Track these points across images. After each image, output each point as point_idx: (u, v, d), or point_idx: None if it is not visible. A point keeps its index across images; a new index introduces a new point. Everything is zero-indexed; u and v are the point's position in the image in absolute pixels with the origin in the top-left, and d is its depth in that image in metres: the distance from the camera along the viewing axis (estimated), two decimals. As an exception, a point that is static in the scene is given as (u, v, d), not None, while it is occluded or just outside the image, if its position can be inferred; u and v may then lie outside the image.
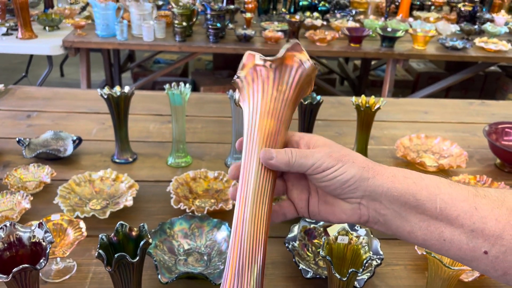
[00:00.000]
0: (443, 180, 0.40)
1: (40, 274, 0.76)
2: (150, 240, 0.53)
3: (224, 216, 0.90)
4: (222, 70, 3.21)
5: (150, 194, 1.01)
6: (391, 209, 0.40)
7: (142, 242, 0.51)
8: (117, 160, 1.13)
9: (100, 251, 0.50)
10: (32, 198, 0.90)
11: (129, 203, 0.91)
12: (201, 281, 0.77)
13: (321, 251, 0.56)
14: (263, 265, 0.40)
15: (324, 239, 0.57)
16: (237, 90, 0.45)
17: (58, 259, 0.77)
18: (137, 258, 0.51)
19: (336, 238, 0.57)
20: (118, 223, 0.54)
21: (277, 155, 0.40)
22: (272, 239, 0.89)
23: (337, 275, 0.53)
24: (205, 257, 0.82)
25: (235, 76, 0.43)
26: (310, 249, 0.84)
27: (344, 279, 0.53)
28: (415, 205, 0.39)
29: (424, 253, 0.81)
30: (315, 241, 0.85)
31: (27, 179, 0.99)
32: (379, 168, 0.40)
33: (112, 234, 0.54)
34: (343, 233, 0.57)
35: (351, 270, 0.52)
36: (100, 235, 0.52)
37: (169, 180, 1.01)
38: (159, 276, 0.72)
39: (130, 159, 1.13)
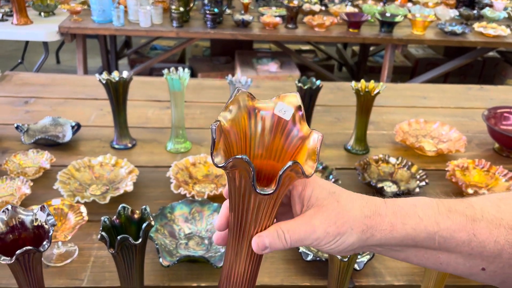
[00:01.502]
0: (442, 211, 0.39)
1: (42, 258, 0.76)
2: (153, 222, 0.53)
3: (224, 200, 0.91)
4: (220, 56, 3.19)
5: (150, 179, 1.01)
6: (388, 249, 0.40)
7: (144, 224, 0.52)
8: (116, 146, 1.13)
9: (103, 233, 0.50)
10: (32, 184, 0.90)
11: (129, 188, 0.91)
12: (202, 264, 0.78)
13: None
14: None
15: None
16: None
17: (60, 243, 0.78)
18: (140, 240, 0.51)
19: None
20: (120, 205, 0.54)
21: (270, 244, 0.36)
22: (272, 223, 0.89)
23: (338, 256, 0.54)
24: (206, 241, 0.82)
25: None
26: (310, 233, 0.85)
27: (345, 260, 0.53)
28: (414, 244, 0.39)
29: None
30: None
31: (26, 165, 0.99)
32: (377, 221, 0.38)
33: (115, 216, 0.54)
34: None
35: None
36: (102, 218, 0.52)
37: (168, 166, 1.01)
38: (161, 260, 0.72)
39: (129, 145, 1.13)
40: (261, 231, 0.36)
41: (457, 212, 0.38)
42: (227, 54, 3.20)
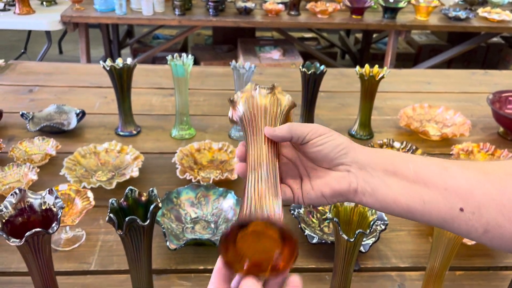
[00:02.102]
0: (415, 154, 0.46)
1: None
2: (160, 204, 0.53)
3: (229, 185, 0.91)
4: (222, 45, 3.18)
5: (155, 165, 1.02)
6: (376, 176, 0.44)
7: (152, 206, 0.52)
8: (121, 133, 1.13)
9: (111, 215, 0.51)
10: (38, 170, 0.91)
11: (135, 173, 0.92)
12: (209, 247, 0.78)
13: (328, 213, 0.56)
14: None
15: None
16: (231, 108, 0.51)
17: (68, 228, 0.78)
18: (148, 221, 0.51)
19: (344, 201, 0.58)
20: (128, 188, 0.55)
21: (279, 128, 0.46)
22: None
23: (344, 236, 0.54)
24: (212, 225, 0.83)
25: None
26: (315, 216, 0.85)
27: (351, 240, 0.54)
28: (394, 171, 0.44)
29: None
30: (320, 208, 0.86)
31: (32, 152, 1.00)
32: (359, 145, 0.47)
33: (122, 199, 0.54)
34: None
35: (358, 231, 0.53)
36: (110, 200, 0.53)
37: (173, 152, 1.01)
38: (168, 243, 0.73)
39: (134, 132, 1.14)
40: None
41: (429, 157, 0.46)
42: (230, 43, 3.19)
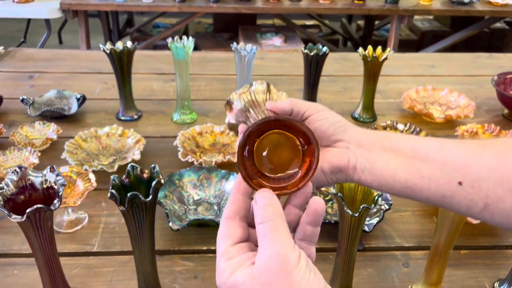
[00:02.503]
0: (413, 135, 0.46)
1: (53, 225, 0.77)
2: (162, 181, 0.53)
3: (232, 168, 0.91)
4: (223, 33, 3.16)
5: (157, 149, 1.01)
6: (374, 153, 0.44)
7: (154, 182, 0.51)
8: (122, 118, 1.12)
9: (113, 191, 0.50)
10: (39, 154, 0.90)
11: (137, 157, 0.91)
12: (212, 228, 0.78)
13: (332, 189, 0.56)
14: None
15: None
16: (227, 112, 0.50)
17: (70, 210, 0.78)
18: (150, 197, 0.51)
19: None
20: (129, 165, 0.54)
21: (281, 101, 0.47)
22: (280, 189, 0.89)
23: (348, 211, 0.53)
24: (215, 207, 0.82)
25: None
26: (318, 197, 0.84)
27: (356, 215, 0.53)
28: (392, 148, 0.44)
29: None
30: (323, 189, 0.86)
31: (33, 137, 0.99)
32: (359, 127, 0.48)
33: (124, 176, 0.54)
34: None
35: (362, 205, 0.53)
36: (112, 177, 0.52)
37: (175, 136, 1.01)
38: (170, 224, 0.72)
39: (135, 116, 1.13)
40: None
41: (428, 137, 0.46)
42: (230, 30, 3.17)
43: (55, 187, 0.54)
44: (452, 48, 3.23)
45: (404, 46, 3.31)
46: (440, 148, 0.42)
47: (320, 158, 0.42)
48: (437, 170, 0.41)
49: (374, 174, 0.44)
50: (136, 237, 0.56)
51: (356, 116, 1.16)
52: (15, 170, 0.54)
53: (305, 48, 1.05)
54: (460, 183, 0.40)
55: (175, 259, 0.72)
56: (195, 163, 0.89)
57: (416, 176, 0.42)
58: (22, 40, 3.13)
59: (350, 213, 0.53)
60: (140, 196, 0.50)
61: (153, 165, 0.54)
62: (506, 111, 1.19)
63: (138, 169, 0.54)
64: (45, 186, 0.55)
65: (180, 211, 0.80)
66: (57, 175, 0.54)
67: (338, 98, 1.28)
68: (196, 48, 1.07)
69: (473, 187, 0.40)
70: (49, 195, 0.55)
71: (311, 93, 1.10)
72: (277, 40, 2.72)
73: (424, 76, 1.43)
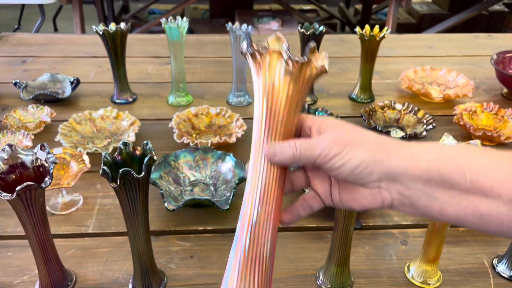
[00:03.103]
0: (473, 149, 0.35)
1: (47, 207, 0.76)
2: (155, 157, 0.52)
3: (228, 149, 0.90)
4: (219, 18, 3.13)
5: (152, 131, 1.00)
6: (415, 189, 0.35)
7: (146, 158, 0.50)
8: (117, 101, 1.11)
9: (105, 167, 0.49)
10: (33, 137, 0.89)
11: (132, 138, 0.90)
12: (208, 209, 0.77)
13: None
14: (271, 264, 0.40)
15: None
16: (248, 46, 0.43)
17: (64, 192, 0.77)
18: (143, 173, 0.50)
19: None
20: (121, 141, 0.53)
21: (281, 150, 0.38)
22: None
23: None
24: (211, 187, 0.81)
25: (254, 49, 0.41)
26: (315, 177, 0.84)
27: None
28: (441, 181, 0.34)
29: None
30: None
31: (26, 120, 0.98)
32: (394, 146, 0.36)
33: (116, 153, 0.53)
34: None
35: (359, 180, 0.52)
36: (103, 153, 0.51)
37: (170, 118, 0.99)
38: (166, 204, 0.72)
39: (130, 99, 1.11)
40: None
41: (493, 152, 0.34)
42: (227, 16, 3.13)
43: (46, 165, 0.53)
44: (451, 31, 3.20)
45: (403, 29, 3.28)
46: (510, 178, 0.32)
47: (349, 197, 0.39)
48: (503, 208, 0.33)
49: (417, 209, 0.37)
50: (130, 216, 0.55)
51: (354, 96, 1.15)
52: (4, 148, 0.53)
53: (301, 27, 1.03)
54: None
55: (171, 240, 0.72)
56: (191, 144, 0.88)
57: (471, 213, 0.34)
58: (16, 26, 3.10)
59: (347, 188, 0.52)
60: (132, 173, 0.49)
61: (145, 142, 0.53)
62: (505, 90, 1.18)
63: (130, 146, 0.53)
64: (35, 165, 0.54)
65: (176, 192, 0.79)
66: (48, 153, 0.53)
67: (336, 79, 1.27)
68: (192, 33, 1.06)
69: None
70: (40, 174, 0.54)
71: (308, 74, 1.09)
72: (274, 25, 2.69)
73: (423, 57, 1.41)
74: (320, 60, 0.41)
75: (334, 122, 0.39)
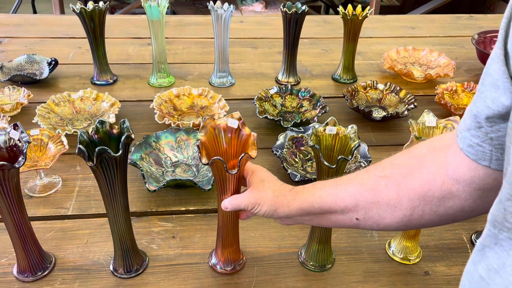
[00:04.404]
0: (318, 185, 0.53)
1: (25, 189, 0.75)
2: (133, 136, 0.51)
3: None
4: (203, 0, 3.08)
5: (133, 113, 0.98)
6: (297, 219, 0.54)
7: (123, 136, 0.49)
8: (97, 82, 1.09)
9: (81, 146, 0.48)
10: (9, 119, 0.87)
11: (112, 120, 0.88)
12: (190, 189, 0.77)
13: (309, 141, 0.55)
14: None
15: (311, 129, 0.56)
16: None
17: (42, 174, 0.76)
18: (120, 152, 0.49)
19: (324, 129, 0.56)
20: (98, 120, 0.52)
21: (227, 204, 0.56)
22: (259, 150, 0.88)
23: (325, 163, 0.52)
24: (193, 168, 0.81)
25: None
26: (298, 157, 0.84)
27: (333, 167, 0.52)
28: (307, 213, 0.53)
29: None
30: (303, 148, 0.85)
31: (3, 102, 0.96)
32: (280, 200, 0.54)
33: (92, 131, 0.52)
34: (332, 123, 0.56)
35: (340, 157, 0.52)
36: (79, 132, 0.50)
37: (151, 99, 0.98)
38: (147, 185, 0.71)
39: (110, 80, 1.09)
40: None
41: (326, 183, 0.52)
42: (210, -3, 3.08)
43: (20, 144, 0.52)
44: (434, 13, 3.21)
45: (386, 12, 3.27)
46: (336, 200, 0.50)
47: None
48: (340, 216, 0.51)
49: (300, 220, 0.55)
50: (108, 195, 0.54)
51: (337, 77, 1.15)
52: (-24, 128, 0.52)
53: (283, 6, 1.02)
54: (357, 219, 0.50)
55: (153, 220, 0.71)
56: (173, 125, 0.87)
57: (329, 223, 0.53)
58: (-8, 9, 2.99)
59: (327, 164, 0.52)
60: (109, 151, 0.48)
61: (122, 120, 0.52)
62: (486, 70, 1.19)
63: (107, 124, 0.52)
64: (9, 145, 0.53)
65: (157, 173, 0.78)
66: (21, 132, 0.52)
67: (319, 60, 1.26)
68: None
69: (366, 219, 0.49)
70: (14, 154, 0.53)
71: (290, 54, 1.08)
72: (258, 6, 2.66)
73: (405, 37, 1.41)
74: (254, 152, 0.54)
75: (256, 181, 0.56)
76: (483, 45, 1.19)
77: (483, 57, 1.14)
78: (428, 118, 0.61)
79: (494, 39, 1.21)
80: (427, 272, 0.65)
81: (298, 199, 0.52)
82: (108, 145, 0.52)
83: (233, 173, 0.52)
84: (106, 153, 0.48)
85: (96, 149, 0.47)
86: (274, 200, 0.54)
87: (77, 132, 0.83)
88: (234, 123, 0.56)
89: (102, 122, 0.52)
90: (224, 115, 0.92)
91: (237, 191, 0.57)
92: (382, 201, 0.47)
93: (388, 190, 0.47)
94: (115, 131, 0.53)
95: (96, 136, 0.52)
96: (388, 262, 0.66)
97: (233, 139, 0.57)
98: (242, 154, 0.51)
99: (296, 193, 0.53)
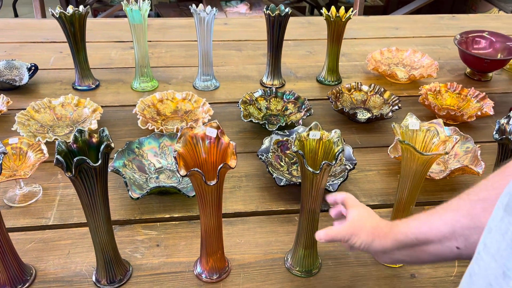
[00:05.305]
0: (414, 216, 0.53)
1: (4, 199, 0.73)
2: (112, 145, 0.50)
3: (194, 134, 0.88)
4: (187, 2, 3.06)
5: (116, 118, 0.97)
6: (396, 251, 0.53)
7: (102, 146, 0.48)
8: (79, 87, 1.07)
9: (58, 156, 0.47)
10: (-12, 127, 0.85)
11: (94, 126, 0.87)
12: (174, 196, 0.76)
13: (292, 147, 0.54)
14: None
15: (295, 134, 0.56)
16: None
17: (22, 183, 0.74)
18: (99, 162, 0.48)
19: (308, 134, 0.56)
20: (76, 129, 0.51)
21: (323, 237, 0.56)
22: (244, 154, 0.87)
23: (310, 168, 0.52)
24: (178, 174, 0.80)
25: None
26: (283, 161, 0.83)
27: (317, 172, 0.52)
28: (404, 246, 0.51)
29: (396, 156, 0.81)
30: (288, 152, 0.84)
31: (-19, 109, 0.93)
32: (378, 231, 0.54)
33: (71, 141, 0.50)
34: (315, 129, 0.55)
35: (323, 162, 0.51)
36: (57, 141, 0.49)
37: (135, 104, 0.97)
38: (130, 193, 0.70)
39: (93, 86, 1.08)
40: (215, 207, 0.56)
41: (421, 215, 0.52)
42: (195, 0, 3.07)
43: (-4, 155, 0.50)
44: (417, 13, 3.24)
45: (370, 12, 3.29)
46: (431, 229, 0.49)
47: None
48: (439, 245, 0.49)
49: (397, 256, 0.54)
50: (88, 206, 0.53)
51: (321, 79, 1.14)
52: (-50, 139, 0.50)
53: (267, 9, 1.01)
54: (458, 248, 0.48)
55: (137, 229, 0.70)
56: (156, 131, 0.86)
57: (426, 256, 0.51)
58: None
59: (311, 170, 0.52)
60: (88, 161, 0.47)
61: (102, 129, 0.51)
62: (468, 70, 1.20)
63: (86, 133, 0.51)
64: (-15, 156, 0.51)
65: (141, 180, 0.77)
66: (-2, 142, 0.50)
67: (303, 62, 1.26)
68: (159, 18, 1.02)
69: (466, 247, 0.47)
70: (-10, 165, 0.51)
71: (275, 56, 1.08)
72: (242, 8, 2.65)
73: (389, 38, 1.42)
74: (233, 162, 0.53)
75: (356, 216, 0.56)
76: (465, 45, 1.20)
77: (466, 57, 1.15)
78: (412, 121, 0.61)
79: (476, 39, 1.22)
80: (413, 275, 0.65)
81: (394, 230, 0.52)
82: (88, 154, 0.51)
83: (212, 184, 0.50)
84: (85, 163, 0.47)
85: (75, 159, 0.46)
86: (371, 231, 0.53)
87: (58, 139, 0.81)
88: (212, 132, 0.54)
89: (80, 131, 0.51)
90: (209, 120, 0.91)
91: (218, 201, 0.55)
92: (482, 225, 0.44)
93: (487, 214, 0.44)
94: (94, 140, 0.51)
95: (75, 145, 0.51)
96: (375, 266, 0.66)
97: (212, 148, 0.55)
98: (221, 165, 0.50)
99: (392, 225, 0.53)
